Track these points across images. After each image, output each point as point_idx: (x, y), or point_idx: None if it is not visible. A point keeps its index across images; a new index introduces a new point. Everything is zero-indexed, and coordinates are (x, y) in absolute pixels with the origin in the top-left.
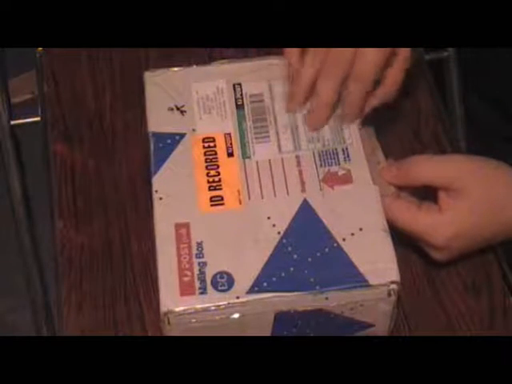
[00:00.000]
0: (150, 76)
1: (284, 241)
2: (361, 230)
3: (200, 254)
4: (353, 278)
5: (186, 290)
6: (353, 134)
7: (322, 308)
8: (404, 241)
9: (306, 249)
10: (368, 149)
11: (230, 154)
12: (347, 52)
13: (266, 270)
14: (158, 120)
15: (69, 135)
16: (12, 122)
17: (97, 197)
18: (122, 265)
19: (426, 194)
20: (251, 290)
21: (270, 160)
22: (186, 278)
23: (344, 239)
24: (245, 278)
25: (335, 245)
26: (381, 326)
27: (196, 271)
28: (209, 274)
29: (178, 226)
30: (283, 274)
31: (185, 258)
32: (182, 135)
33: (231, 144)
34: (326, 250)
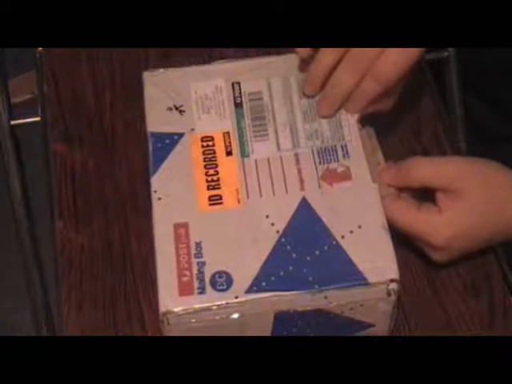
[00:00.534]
0: (148, 76)
1: (283, 239)
2: (360, 227)
3: (199, 254)
4: (352, 276)
5: (184, 290)
6: (352, 131)
7: (321, 308)
8: (404, 241)
9: (305, 247)
10: (368, 149)
11: (229, 153)
12: (372, 50)
13: (265, 269)
14: (157, 120)
15: (69, 135)
16: (12, 122)
17: (97, 197)
18: (122, 265)
19: (425, 196)
20: (250, 290)
21: (268, 158)
22: (184, 278)
23: (343, 237)
24: (243, 277)
25: (334, 243)
26: (381, 326)
27: (195, 271)
28: (207, 273)
29: (176, 226)
30: (282, 274)
31: (184, 257)
32: (181, 135)
33: (230, 143)
34: (325, 248)
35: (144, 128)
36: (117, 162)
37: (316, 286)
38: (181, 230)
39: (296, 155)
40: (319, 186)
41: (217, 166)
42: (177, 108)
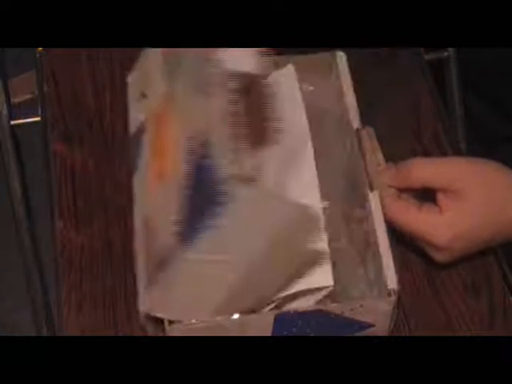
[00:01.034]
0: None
1: None
2: None
3: None
4: None
5: None
6: None
7: (322, 308)
8: (404, 241)
9: None
10: (369, 150)
11: None
12: None
13: None
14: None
15: (69, 135)
16: (12, 122)
17: (97, 197)
18: (122, 265)
19: (425, 197)
20: None
21: None
22: None
23: None
24: None
25: None
26: (381, 326)
27: None
28: None
29: None
30: None
31: None
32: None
33: None
34: None
35: None
36: (117, 162)
37: None
38: None
39: None
40: None
41: None
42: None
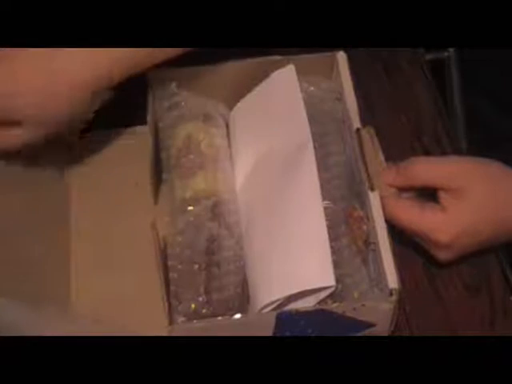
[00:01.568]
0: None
1: None
2: None
3: None
4: None
5: None
6: None
7: (323, 308)
8: (404, 241)
9: None
10: (369, 150)
11: None
12: None
13: None
14: None
15: None
16: None
17: None
18: None
19: (426, 197)
20: None
21: None
22: None
23: None
24: None
25: None
26: (382, 326)
27: None
28: None
29: None
30: None
31: None
32: None
33: None
34: None
35: None
36: None
37: None
38: None
39: None
40: None
41: None
42: None
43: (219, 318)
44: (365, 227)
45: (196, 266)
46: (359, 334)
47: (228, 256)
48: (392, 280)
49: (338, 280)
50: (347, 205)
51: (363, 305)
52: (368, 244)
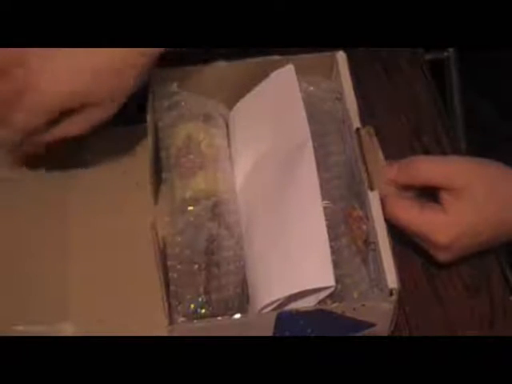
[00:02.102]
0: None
1: None
2: None
3: None
4: None
5: None
6: None
7: (323, 308)
8: (404, 241)
9: None
10: (369, 149)
11: None
12: None
13: None
14: None
15: None
16: None
17: None
18: None
19: (425, 196)
20: None
21: None
22: None
23: None
24: None
25: None
26: (381, 326)
27: None
28: None
29: None
30: None
31: None
32: None
33: None
34: None
35: None
36: None
37: None
38: None
39: None
40: None
41: None
42: None
43: (219, 318)
44: (364, 227)
45: (196, 266)
46: (359, 334)
47: (228, 256)
48: (392, 280)
49: (337, 280)
50: (347, 205)
51: (363, 305)
52: (368, 244)
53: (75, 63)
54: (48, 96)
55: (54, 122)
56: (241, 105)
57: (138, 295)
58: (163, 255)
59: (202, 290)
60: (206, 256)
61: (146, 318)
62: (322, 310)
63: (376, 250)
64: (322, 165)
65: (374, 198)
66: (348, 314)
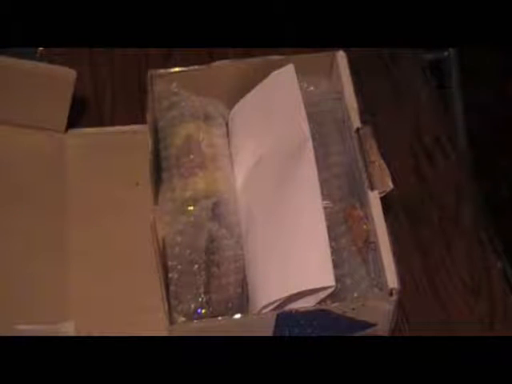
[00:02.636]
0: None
1: None
2: None
3: None
4: None
5: None
6: None
7: (323, 308)
8: (404, 241)
9: None
10: (369, 150)
11: None
12: None
13: None
14: None
15: None
16: None
17: None
18: None
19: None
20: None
21: None
22: None
23: None
24: None
25: None
26: (382, 326)
27: None
28: None
29: None
30: None
31: None
32: None
33: None
34: None
35: None
36: None
37: None
38: None
39: None
40: None
41: None
42: None
43: (219, 318)
44: (365, 227)
45: (196, 266)
46: (359, 334)
47: (228, 256)
48: (392, 280)
49: (337, 280)
50: (347, 205)
51: (363, 305)
52: (368, 244)
53: None
54: None
55: None
56: (241, 105)
57: (138, 295)
58: (163, 255)
59: (202, 289)
60: (206, 256)
61: (146, 317)
62: (322, 310)
63: (376, 250)
64: (321, 165)
65: (374, 198)
66: (348, 314)
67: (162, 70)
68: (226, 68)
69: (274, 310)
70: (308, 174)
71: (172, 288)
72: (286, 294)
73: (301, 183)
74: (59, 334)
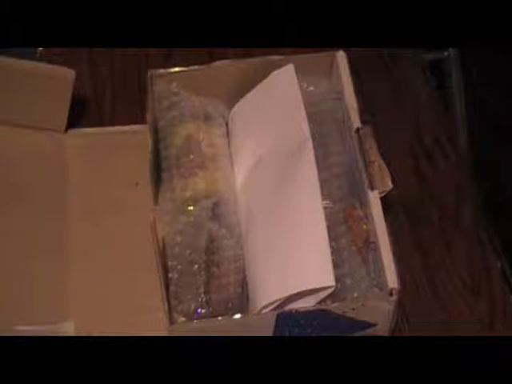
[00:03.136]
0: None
1: None
2: None
3: None
4: None
5: None
6: None
7: (323, 308)
8: (404, 241)
9: None
10: (369, 150)
11: None
12: None
13: None
14: None
15: None
16: None
17: None
18: None
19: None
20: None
21: None
22: None
23: None
24: None
25: None
26: (382, 326)
27: None
28: None
29: None
30: None
31: None
32: None
33: None
34: None
35: None
36: None
37: None
38: None
39: None
40: None
41: None
42: None
43: (219, 318)
44: (365, 227)
45: (196, 266)
46: (359, 334)
47: (228, 256)
48: (392, 280)
49: (337, 280)
50: (347, 205)
51: (363, 305)
52: (368, 244)
53: None
54: None
55: None
56: (241, 105)
57: (138, 295)
58: (163, 255)
59: (202, 289)
60: (206, 256)
61: (146, 318)
62: (322, 310)
63: (376, 250)
64: (322, 165)
65: (373, 198)
66: (348, 314)
67: (161, 70)
68: (226, 68)
69: (274, 309)
70: (308, 174)
71: (172, 288)
72: (286, 294)
73: (301, 183)
74: (59, 334)
